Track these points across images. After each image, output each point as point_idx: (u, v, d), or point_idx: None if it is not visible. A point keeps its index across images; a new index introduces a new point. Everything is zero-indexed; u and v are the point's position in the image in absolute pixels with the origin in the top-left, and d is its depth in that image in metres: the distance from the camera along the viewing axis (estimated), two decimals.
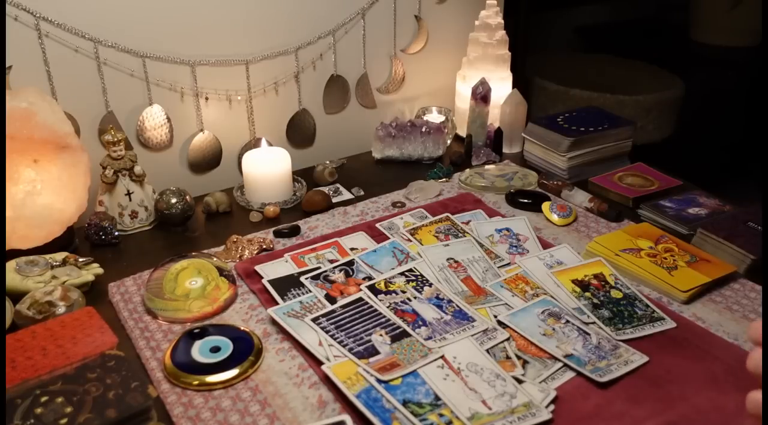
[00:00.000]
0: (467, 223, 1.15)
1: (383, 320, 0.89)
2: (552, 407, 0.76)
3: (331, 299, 0.94)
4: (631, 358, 0.83)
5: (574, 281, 0.98)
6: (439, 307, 0.92)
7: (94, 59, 1.16)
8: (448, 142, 1.49)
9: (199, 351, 0.85)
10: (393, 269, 1.01)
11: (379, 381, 0.78)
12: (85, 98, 1.17)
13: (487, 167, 1.38)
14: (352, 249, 1.08)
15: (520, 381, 0.79)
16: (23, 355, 0.81)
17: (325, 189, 1.30)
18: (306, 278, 0.99)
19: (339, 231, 1.14)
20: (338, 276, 1.00)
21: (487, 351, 0.84)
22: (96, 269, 1.02)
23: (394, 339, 0.85)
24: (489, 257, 1.05)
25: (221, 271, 0.99)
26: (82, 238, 1.13)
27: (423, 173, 1.36)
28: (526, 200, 1.23)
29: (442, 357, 0.82)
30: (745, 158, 2.68)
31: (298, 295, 0.95)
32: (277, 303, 0.94)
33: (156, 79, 1.23)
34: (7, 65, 1.07)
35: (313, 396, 0.79)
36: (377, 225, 1.15)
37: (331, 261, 1.04)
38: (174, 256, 1.01)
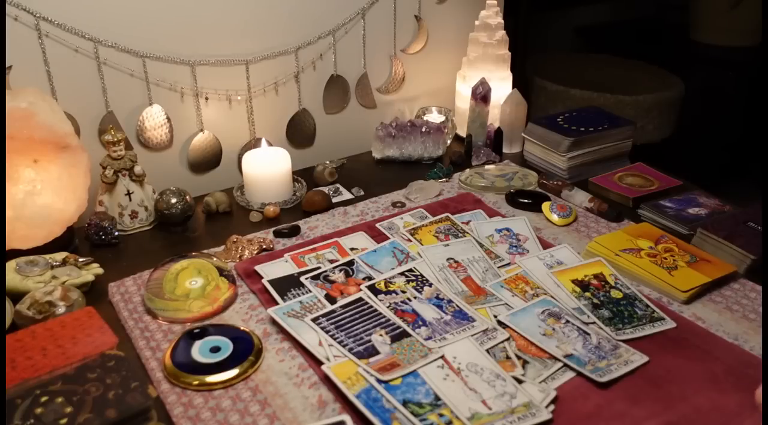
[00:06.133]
0: (467, 223, 1.15)
1: (383, 320, 0.89)
2: (552, 407, 0.76)
3: (331, 300, 0.94)
4: (631, 358, 0.83)
5: (574, 281, 0.98)
6: (439, 307, 0.92)
7: (94, 59, 1.16)
8: (448, 142, 1.49)
9: (199, 351, 0.85)
10: (393, 269, 1.01)
11: (379, 381, 0.78)
12: (85, 98, 1.17)
13: (487, 167, 1.38)
14: (352, 249, 1.08)
15: (520, 381, 0.79)
16: (23, 355, 0.81)
17: (325, 189, 1.30)
18: (306, 278, 0.99)
19: (339, 231, 1.14)
20: (338, 276, 1.00)
21: (487, 351, 0.84)
22: (96, 269, 1.02)
23: (394, 339, 0.85)
24: (489, 257, 1.05)
25: (221, 271, 0.99)
26: (82, 238, 1.13)
27: (423, 173, 1.36)
28: (526, 200, 1.23)
29: (442, 357, 0.82)
30: (745, 158, 2.68)
31: (298, 295, 0.95)
32: (277, 303, 0.94)
33: (156, 79, 1.23)
34: (7, 65, 1.07)
35: (313, 396, 0.79)
36: (377, 225, 1.15)
37: (331, 261, 1.04)
38: (174, 256, 1.01)
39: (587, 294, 0.95)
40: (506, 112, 1.46)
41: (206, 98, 1.29)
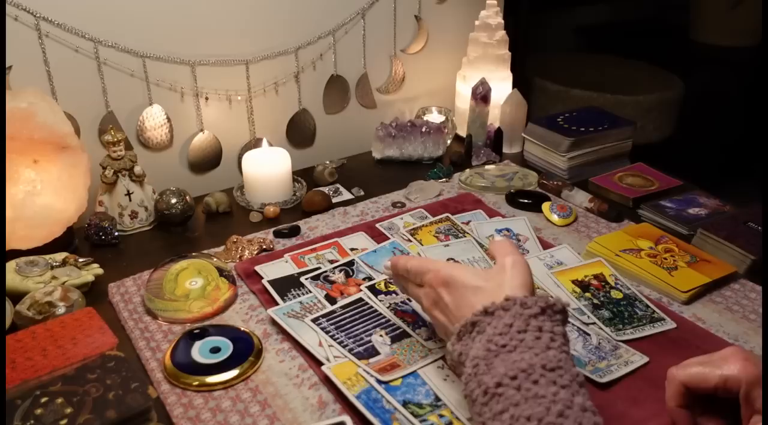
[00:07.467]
0: (467, 223, 1.15)
1: (383, 320, 0.89)
2: None
3: (331, 300, 0.94)
4: (632, 359, 0.83)
5: (574, 282, 0.98)
6: None
7: (95, 59, 1.16)
8: (448, 142, 1.49)
9: (199, 352, 0.85)
10: (386, 276, 1.01)
11: (379, 381, 0.78)
12: (85, 98, 1.17)
13: (487, 167, 1.38)
14: (352, 249, 1.08)
15: None
16: (23, 356, 0.81)
17: (325, 189, 1.30)
18: (306, 279, 0.99)
19: (339, 231, 1.14)
20: (338, 277, 1.00)
21: None
22: (96, 269, 1.02)
23: (394, 339, 0.85)
24: (489, 258, 1.05)
25: (221, 271, 0.99)
26: (82, 238, 1.13)
27: (423, 173, 1.36)
28: (526, 200, 1.23)
29: (443, 357, 0.82)
30: (745, 158, 2.69)
31: (298, 295, 0.95)
32: (277, 304, 0.94)
33: (156, 79, 1.23)
34: (7, 65, 1.07)
35: (313, 396, 0.79)
36: (377, 225, 1.15)
37: (331, 261, 1.04)
38: (174, 256, 1.01)
39: (587, 295, 0.95)
40: (506, 112, 1.46)
41: (206, 98, 1.29)
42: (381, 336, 0.86)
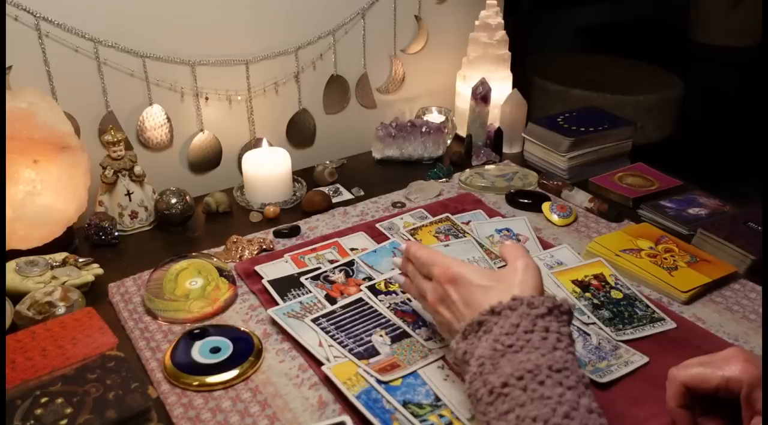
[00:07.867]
0: (467, 223, 1.15)
1: (383, 320, 0.89)
2: None
3: (331, 300, 0.94)
4: (632, 359, 0.83)
5: (574, 282, 0.98)
6: None
7: (94, 59, 1.16)
8: (448, 142, 1.49)
9: (199, 352, 0.85)
10: (393, 269, 1.01)
11: (379, 381, 0.78)
12: (85, 98, 1.17)
13: (487, 167, 1.38)
14: (352, 249, 1.08)
15: None
16: (23, 356, 0.81)
17: (325, 189, 1.30)
18: (306, 279, 0.99)
19: (339, 231, 1.14)
20: (338, 277, 1.00)
21: None
22: (96, 269, 1.02)
23: (394, 339, 0.85)
24: (489, 258, 1.05)
25: (221, 271, 0.99)
26: (82, 238, 1.13)
27: (423, 173, 1.36)
28: (526, 201, 1.23)
29: (443, 357, 0.82)
30: (745, 158, 2.69)
31: (298, 295, 0.95)
32: (277, 304, 0.94)
33: (156, 79, 1.23)
34: (7, 65, 1.07)
35: (313, 396, 0.79)
36: (377, 225, 1.15)
37: (331, 262, 1.04)
38: (174, 256, 1.01)
39: (587, 295, 0.95)
40: (506, 112, 1.46)
41: (206, 98, 1.29)
42: (381, 336, 0.86)
